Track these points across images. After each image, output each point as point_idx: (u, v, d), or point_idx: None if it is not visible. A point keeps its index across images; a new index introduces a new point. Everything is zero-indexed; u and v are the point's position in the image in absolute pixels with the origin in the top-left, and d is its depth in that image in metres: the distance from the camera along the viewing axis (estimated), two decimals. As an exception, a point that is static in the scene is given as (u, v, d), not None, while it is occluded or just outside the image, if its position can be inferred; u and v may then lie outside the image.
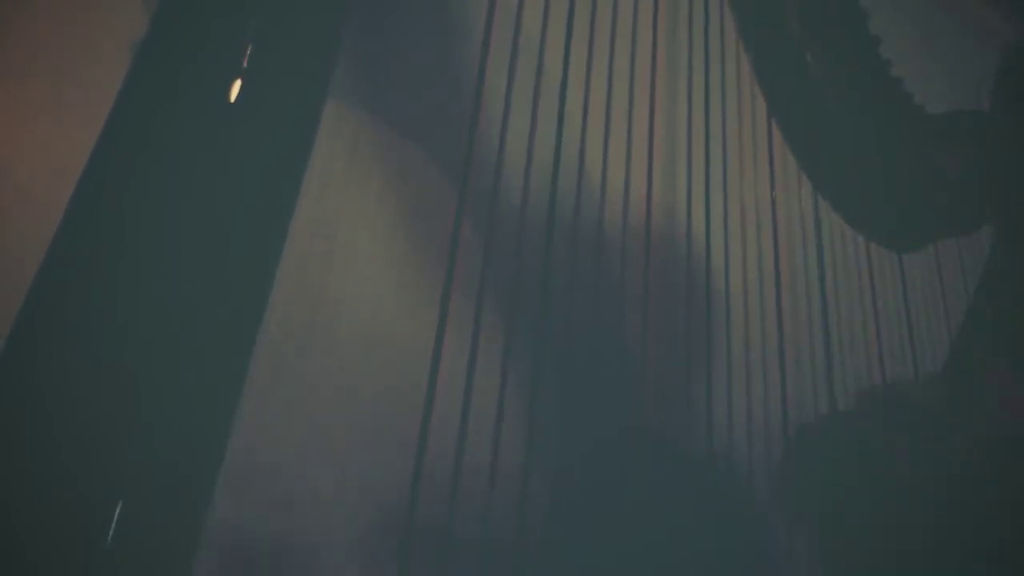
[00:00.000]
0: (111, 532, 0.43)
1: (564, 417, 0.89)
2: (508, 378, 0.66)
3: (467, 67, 0.98)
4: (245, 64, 0.52)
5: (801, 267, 0.99)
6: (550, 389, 0.79)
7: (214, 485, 0.48)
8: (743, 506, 0.93)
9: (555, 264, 0.72)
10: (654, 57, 0.91)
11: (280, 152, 0.53)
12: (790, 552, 0.88)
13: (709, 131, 0.96)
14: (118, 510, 0.43)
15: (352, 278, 0.88)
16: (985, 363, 0.70)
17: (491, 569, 0.74)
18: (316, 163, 0.56)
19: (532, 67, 0.74)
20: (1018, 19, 1.50)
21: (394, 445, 0.82)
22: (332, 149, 0.88)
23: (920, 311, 1.09)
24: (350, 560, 0.81)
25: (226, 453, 0.49)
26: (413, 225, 0.93)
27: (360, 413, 0.84)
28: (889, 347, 1.02)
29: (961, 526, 0.69)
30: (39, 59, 0.82)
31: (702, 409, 0.91)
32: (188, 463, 0.47)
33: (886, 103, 0.90)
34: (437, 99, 0.96)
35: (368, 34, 0.95)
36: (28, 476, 0.43)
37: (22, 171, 0.78)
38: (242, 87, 0.51)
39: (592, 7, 0.84)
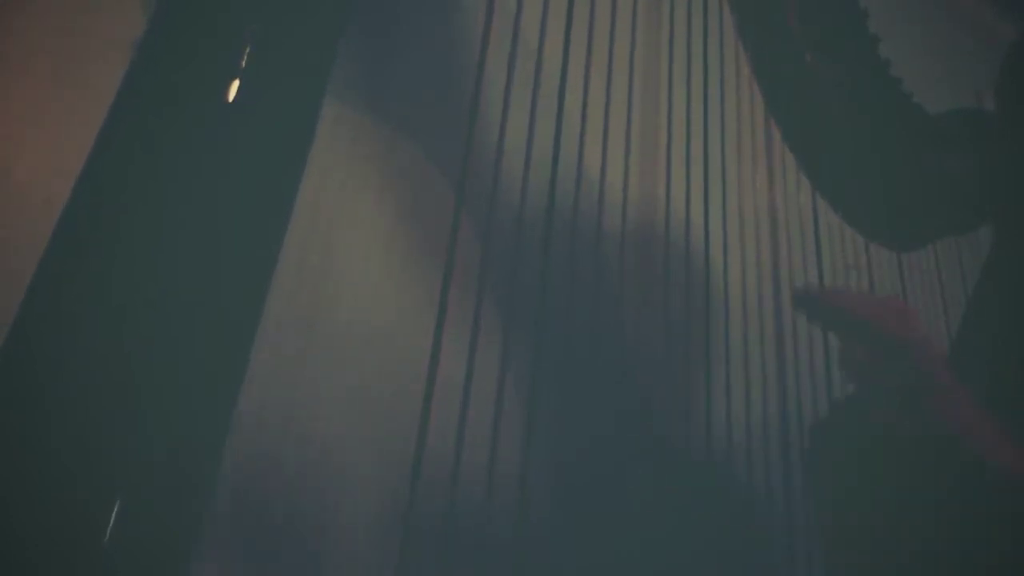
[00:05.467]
0: (109, 530, 0.43)
1: (563, 416, 0.89)
2: (507, 376, 0.66)
3: (466, 68, 0.98)
4: (243, 64, 0.52)
5: (800, 267, 0.99)
6: (549, 387, 0.79)
7: (213, 484, 0.48)
8: (742, 505, 0.93)
9: (554, 263, 0.72)
10: (648, 56, 0.92)
11: (278, 152, 0.53)
12: (791, 550, 0.89)
13: (708, 131, 0.96)
14: (116, 509, 0.43)
15: (351, 277, 0.88)
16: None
17: (491, 566, 0.74)
18: (315, 163, 0.56)
19: (531, 68, 0.74)
20: (1018, 19, 1.50)
21: (394, 443, 0.82)
22: (331, 149, 0.88)
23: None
24: (350, 557, 0.81)
25: (225, 452, 0.49)
26: (412, 224, 0.93)
27: (360, 412, 0.84)
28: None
29: (964, 527, 0.69)
30: (39, 59, 0.82)
31: (701, 408, 0.91)
32: (187, 462, 0.47)
33: (885, 103, 0.90)
34: (436, 99, 0.96)
35: (367, 35, 0.95)
36: (26, 474, 0.43)
37: (22, 170, 0.78)
38: (240, 87, 0.51)
39: (591, 8, 0.84)
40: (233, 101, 0.51)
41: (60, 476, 0.43)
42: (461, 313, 0.64)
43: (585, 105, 0.79)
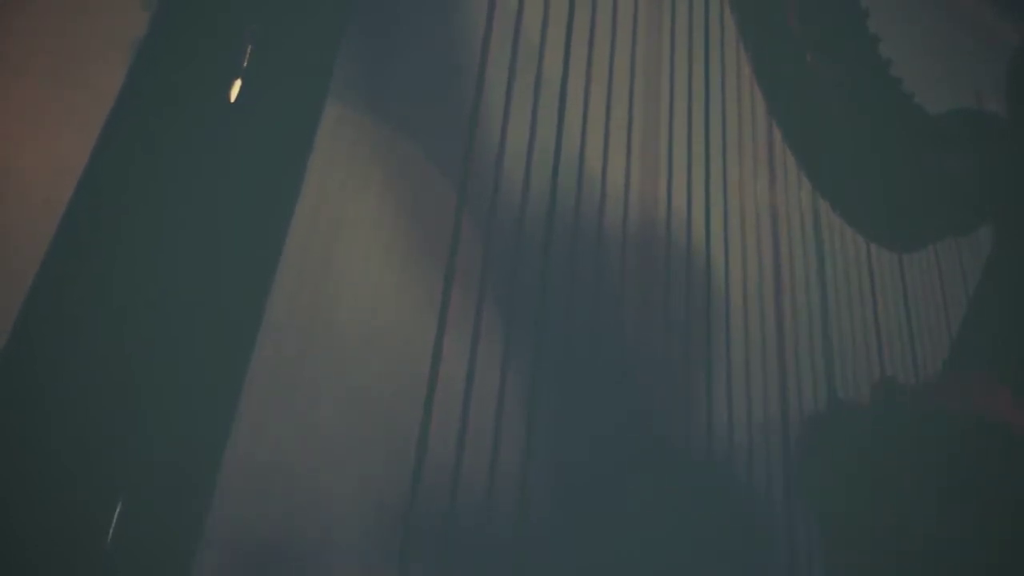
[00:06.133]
0: (111, 532, 0.43)
1: (564, 416, 0.89)
2: (508, 377, 0.66)
3: (467, 67, 0.98)
4: (245, 64, 0.52)
5: (801, 267, 0.99)
6: (550, 388, 0.79)
7: (214, 484, 0.48)
8: (742, 505, 0.94)
9: (554, 263, 0.72)
10: (648, 55, 0.91)
11: (280, 152, 0.53)
12: (791, 550, 0.89)
13: (709, 131, 0.96)
14: (118, 510, 0.43)
15: (352, 277, 0.88)
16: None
17: (491, 568, 0.74)
18: (316, 163, 0.56)
19: (532, 67, 0.74)
20: (1018, 19, 1.50)
21: (394, 444, 0.82)
22: (332, 149, 0.88)
23: (920, 311, 1.09)
24: (350, 558, 0.81)
25: (226, 453, 0.49)
26: (413, 224, 0.93)
27: (360, 412, 0.84)
28: (889, 346, 1.02)
29: (962, 525, 0.69)
30: (39, 59, 0.82)
31: (702, 408, 0.91)
32: (188, 462, 0.47)
33: (886, 103, 0.90)
34: (437, 99, 0.96)
35: (369, 35, 0.95)
36: (28, 475, 0.43)
37: (22, 171, 0.78)
38: (242, 87, 0.51)
39: (592, 8, 0.84)
40: (235, 101, 0.51)
41: (61, 477, 0.43)
42: (462, 313, 0.64)
43: (586, 105, 0.79)
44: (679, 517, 0.89)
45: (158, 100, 0.51)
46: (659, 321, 0.96)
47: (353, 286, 0.88)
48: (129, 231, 0.49)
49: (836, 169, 0.90)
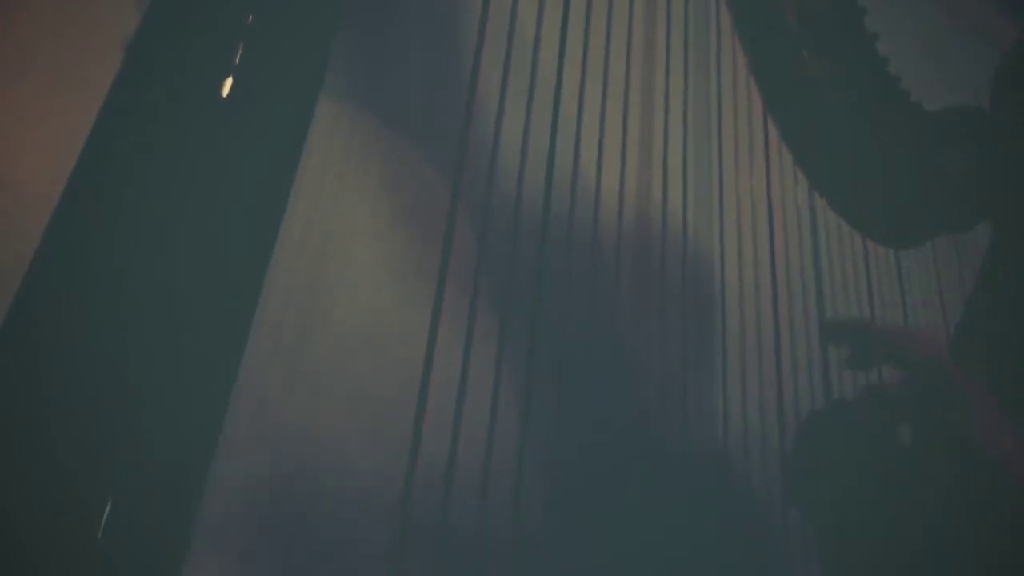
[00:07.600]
0: (102, 527, 0.43)
1: (559, 414, 0.89)
2: (503, 373, 0.66)
3: (462, 66, 0.98)
4: (237, 61, 0.52)
5: (797, 265, 0.99)
6: (545, 387, 0.79)
7: (205, 483, 0.48)
8: (739, 504, 0.93)
9: (550, 262, 0.72)
10: (644, 53, 0.91)
11: (272, 149, 0.53)
12: (787, 549, 0.88)
13: (707, 129, 0.96)
14: (108, 508, 0.43)
15: (347, 275, 0.88)
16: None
17: (487, 564, 0.74)
18: (312, 161, 0.56)
19: (527, 66, 0.74)
20: (1018, 19, 1.50)
21: (390, 443, 0.82)
22: (328, 147, 0.88)
23: (917, 309, 1.09)
24: (344, 557, 0.81)
25: (220, 450, 0.49)
26: (408, 222, 0.93)
27: (355, 410, 0.84)
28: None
29: (959, 524, 0.69)
30: (36, 60, 0.82)
31: (699, 407, 0.91)
32: (181, 459, 0.47)
33: (883, 100, 0.90)
34: (433, 98, 0.96)
35: (364, 34, 0.95)
36: (18, 473, 0.43)
37: (20, 171, 0.79)
38: (234, 84, 0.51)
39: (587, 6, 0.84)
40: (227, 98, 0.51)
41: (52, 473, 0.43)
42: (457, 312, 0.64)
43: (581, 102, 0.79)
44: (676, 517, 0.89)
45: (150, 97, 0.51)
46: (655, 320, 0.95)
47: (349, 284, 0.88)
48: (122, 228, 0.49)
49: (833, 166, 0.90)
